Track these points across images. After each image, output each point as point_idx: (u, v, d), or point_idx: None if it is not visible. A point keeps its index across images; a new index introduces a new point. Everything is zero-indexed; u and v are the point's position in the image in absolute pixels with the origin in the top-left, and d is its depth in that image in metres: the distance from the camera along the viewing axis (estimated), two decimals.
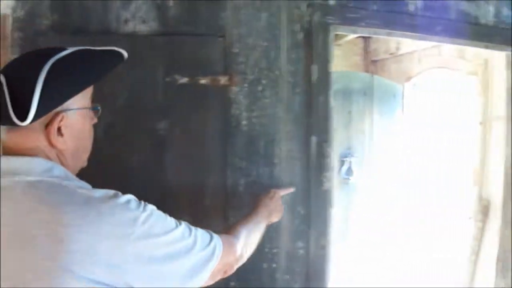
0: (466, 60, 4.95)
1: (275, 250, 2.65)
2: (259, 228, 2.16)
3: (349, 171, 5.25)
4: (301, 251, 2.70)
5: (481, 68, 4.65)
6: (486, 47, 3.28)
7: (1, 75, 1.37)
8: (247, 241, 1.98)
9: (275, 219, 2.41)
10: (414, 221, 6.05)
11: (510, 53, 3.41)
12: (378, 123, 5.49)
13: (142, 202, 1.47)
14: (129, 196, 1.45)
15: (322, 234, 2.72)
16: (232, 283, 2.57)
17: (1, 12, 2.31)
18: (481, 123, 4.63)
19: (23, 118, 1.33)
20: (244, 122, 2.55)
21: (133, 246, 1.36)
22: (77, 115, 1.53)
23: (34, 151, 1.43)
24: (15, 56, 1.69)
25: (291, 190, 2.62)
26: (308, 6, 2.65)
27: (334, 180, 5.18)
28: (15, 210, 1.32)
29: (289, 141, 2.64)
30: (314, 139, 2.66)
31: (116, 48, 1.64)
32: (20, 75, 1.39)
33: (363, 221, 5.50)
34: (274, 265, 2.67)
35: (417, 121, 6.13)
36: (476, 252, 4.51)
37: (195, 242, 1.55)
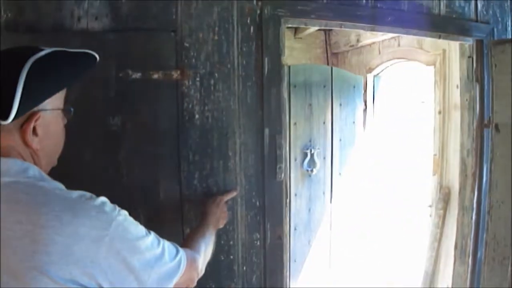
0: (424, 51, 5.01)
1: (231, 242, 2.67)
2: (212, 240, 2.21)
3: (311, 163, 5.27)
4: (258, 243, 2.73)
5: (439, 58, 4.70)
6: (440, 37, 3.31)
7: None
8: (205, 255, 2.03)
9: (221, 225, 2.46)
10: (376, 210, 6.10)
11: (463, 42, 3.45)
12: (339, 114, 5.52)
13: (116, 206, 1.47)
14: (104, 199, 1.45)
15: (278, 224, 2.75)
16: None
17: None
18: (440, 112, 4.69)
19: (4, 116, 1.35)
20: (197, 116, 2.56)
21: (107, 248, 1.36)
22: (52, 115, 1.55)
23: (8, 151, 1.43)
24: None
25: (234, 194, 2.66)
26: None
27: (297, 172, 5.22)
28: None
29: (243, 134, 2.65)
30: (267, 131, 2.68)
31: (89, 51, 1.65)
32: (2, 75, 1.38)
33: (326, 211, 5.54)
34: (231, 257, 2.69)
35: (378, 111, 6.17)
36: (438, 239, 4.57)
37: (163, 253, 1.57)
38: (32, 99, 1.42)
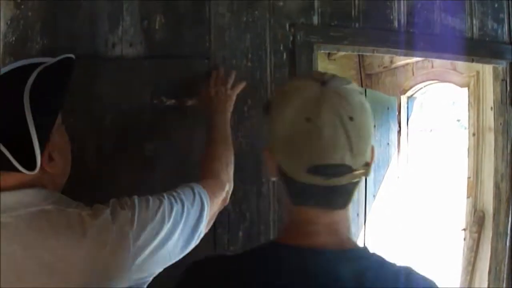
0: (458, 73, 5.00)
1: None
2: (227, 145, 2.21)
3: None
4: None
5: (472, 80, 4.68)
6: (473, 61, 3.30)
7: None
8: (227, 170, 2.08)
9: (231, 107, 2.41)
10: (410, 232, 6.06)
11: (497, 65, 3.43)
12: (373, 136, 5.49)
13: (123, 199, 1.55)
14: (112, 201, 1.52)
15: None
16: None
17: None
18: (474, 134, 4.66)
19: (29, 167, 1.36)
20: None
21: (134, 241, 1.43)
22: (58, 134, 1.56)
23: (29, 183, 1.44)
24: None
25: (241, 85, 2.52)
26: (292, 26, 2.69)
27: None
28: (24, 243, 1.34)
29: None
30: None
31: (66, 55, 1.61)
32: (4, 120, 1.37)
33: (360, 234, 5.51)
34: None
35: (412, 133, 6.14)
36: (472, 263, 4.52)
37: (183, 205, 1.62)
38: (44, 134, 1.44)
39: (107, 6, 2.44)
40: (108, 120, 2.40)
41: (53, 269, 1.32)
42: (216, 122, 2.26)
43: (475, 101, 4.64)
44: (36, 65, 1.50)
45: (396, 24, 2.95)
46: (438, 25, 3.08)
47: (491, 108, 4.02)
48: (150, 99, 2.46)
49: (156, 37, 2.51)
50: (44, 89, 1.45)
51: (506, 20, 3.32)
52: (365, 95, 4.63)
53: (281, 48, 2.68)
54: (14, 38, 2.33)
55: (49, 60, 1.55)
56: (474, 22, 3.20)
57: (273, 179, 1.51)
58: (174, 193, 1.66)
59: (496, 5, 3.27)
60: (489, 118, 4.29)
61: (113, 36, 2.45)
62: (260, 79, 2.65)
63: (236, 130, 2.58)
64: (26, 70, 1.46)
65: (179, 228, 1.57)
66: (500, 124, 3.49)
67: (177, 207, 1.59)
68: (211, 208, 1.79)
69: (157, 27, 2.51)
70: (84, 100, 2.33)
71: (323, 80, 1.25)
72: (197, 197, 1.71)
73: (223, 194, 1.95)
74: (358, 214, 5.48)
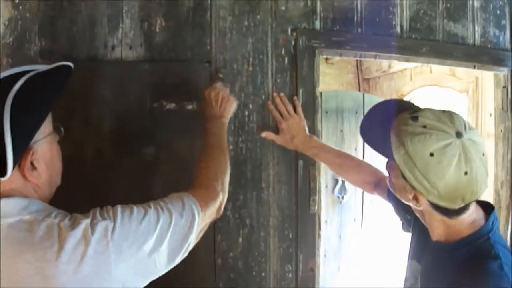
0: (457, 78, 4.98)
1: (263, 274, 2.65)
2: (223, 151, 2.16)
3: (342, 190, 5.22)
4: (290, 274, 2.70)
5: (472, 86, 4.66)
6: (474, 67, 3.28)
7: None
8: (221, 179, 1.99)
9: (229, 113, 2.37)
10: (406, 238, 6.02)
11: (498, 72, 3.42)
12: None
13: (105, 208, 1.48)
14: (93, 211, 1.46)
15: (311, 256, 2.73)
16: None
17: None
18: None
19: (1, 173, 1.31)
20: (231, 147, 2.55)
21: (115, 251, 1.38)
22: (45, 143, 1.50)
23: (9, 193, 1.40)
24: None
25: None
26: (294, 30, 2.67)
27: (328, 198, 5.18)
28: (1, 255, 1.30)
29: (276, 165, 2.65)
30: (301, 163, 2.67)
31: (62, 63, 1.54)
32: None
33: (356, 239, 5.48)
34: None
35: None
36: None
37: (171, 215, 1.57)
38: (23, 141, 1.37)
39: (106, 8, 2.42)
40: (107, 124, 2.38)
41: (31, 283, 1.28)
42: (212, 126, 2.22)
43: (474, 107, 4.61)
44: (29, 72, 1.44)
45: (398, 29, 2.94)
46: (440, 31, 3.07)
47: (490, 114, 4.01)
48: (149, 102, 2.44)
49: (156, 40, 2.49)
50: (29, 97, 1.39)
51: (508, 27, 3.32)
52: (363, 99, 4.61)
53: (283, 52, 2.67)
54: (12, 39, 2.31)
55: (43, 67, 1.50)
56: (476, 28, 3.19)
57: (414, 206, 1.78)
58: (162, 203, 1.61)
59: (498, 12, 3.27)
60: (488, 124, 4.27)
61: (113, 38, 2.43)
62: (261, 83, 2.63)
63: (236, 136, 2.57)
64: (16, 77, 1.40)
65: (166, 240, 1.52)
66: (501, 131, 3.47)
67: (164, 217, 1.54)
68: (203, 220, 1.71)
69: (157, 29, 2.49)
70: (83, 103, 2.31)
71: (457, 131, 1.57)
72: (187, 207, 1.64)
73: (216, 205, 1.87)
74: (354, 219, 5.46)
